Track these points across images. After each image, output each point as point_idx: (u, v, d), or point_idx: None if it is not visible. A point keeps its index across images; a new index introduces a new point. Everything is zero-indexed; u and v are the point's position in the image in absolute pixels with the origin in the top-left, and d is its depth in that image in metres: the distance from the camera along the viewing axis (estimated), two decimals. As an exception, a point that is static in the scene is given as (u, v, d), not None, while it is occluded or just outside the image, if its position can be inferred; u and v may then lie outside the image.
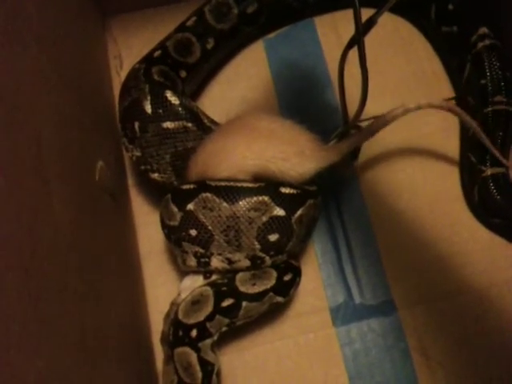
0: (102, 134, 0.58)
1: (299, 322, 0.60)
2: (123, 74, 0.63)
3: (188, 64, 0.60)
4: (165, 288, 0.60)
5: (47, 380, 0.34)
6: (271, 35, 0.71)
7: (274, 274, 0.53)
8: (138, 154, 0.56)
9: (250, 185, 0.50)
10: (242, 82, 0.68)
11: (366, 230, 0.63)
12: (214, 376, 0.51)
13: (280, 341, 0.59)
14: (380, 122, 0.50)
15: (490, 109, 0.62)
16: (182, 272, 0.56)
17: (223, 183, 0.50)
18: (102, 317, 0.46)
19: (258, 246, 0.50)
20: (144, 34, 0.70)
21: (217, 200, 0.49)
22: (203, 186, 0.50)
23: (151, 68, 0.56)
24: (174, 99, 0.53)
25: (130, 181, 0.65)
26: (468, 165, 0.63)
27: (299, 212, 0.51)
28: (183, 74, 0.59)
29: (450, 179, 0.64)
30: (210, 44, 0.62)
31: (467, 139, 0.64)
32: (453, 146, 0.66)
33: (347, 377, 0.58)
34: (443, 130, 0.66)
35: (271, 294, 0.52)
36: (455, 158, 0.65)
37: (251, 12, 0.65)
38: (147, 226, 0.63)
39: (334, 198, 0.64)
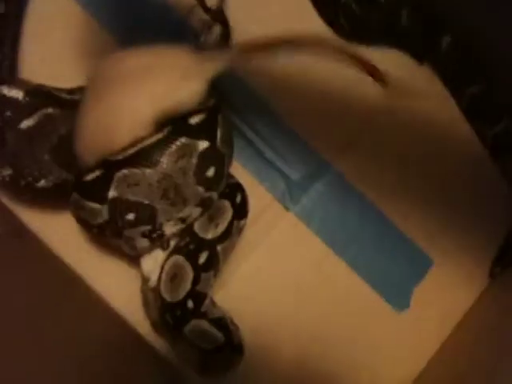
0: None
1: (258, 227, 0.58)
2: None
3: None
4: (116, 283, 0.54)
5: None
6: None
7: (227, 203, 0.49)
8: (9, 172, 0.46)
9: (160, 136, 0.43)
10: (55, 30, 0.56)
11: (264, 110, 0.59)
12: (231, 326, 0.49)
13: (253, 253, 0.58)
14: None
15: None
16: (131, 258, 0.51)
17: (131, 151, 0.43)
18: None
19: (201, 189, 0.45)
20: None
21: (137, 171, 0.42)
22: (110, 165, 0.43)
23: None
24: (15, 93, 0.42)
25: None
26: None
27: (218, 133, 0.46)
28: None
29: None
30: (1, 7, 0.50)
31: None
32: None
33: (326, 247, 0.58)
34: None
35: (235, 221, 0.50)
36: None
37: None
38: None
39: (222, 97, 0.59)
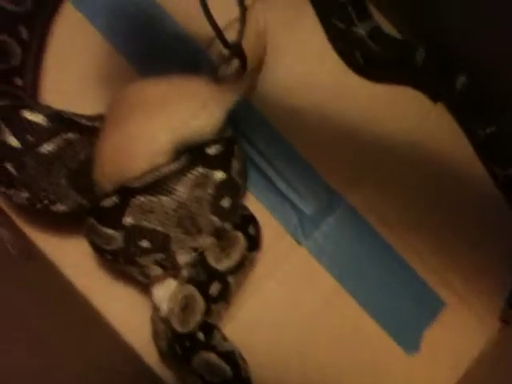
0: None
1: (270, 259, 0.58)
2: None
3: (15, 67, 0.49)
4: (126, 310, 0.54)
5: None
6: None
7: (239, 234, 0.49)
8: (26, 194, 0.46)
9: (177, 164, 0.44)
10: (75, 56, 0.57)
11: (278, 141, 0.60)
12: (240, 360, 0.49)
13: (263, 286, 0.57)
14: None
15: None
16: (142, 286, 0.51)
17: (148, 178, 0.43)
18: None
19: (215, 219, 0.45)
20: None
21: (154, 199, 0.43)
22: (127, 191, 0.43)
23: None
24: (36, 117, 0.43)
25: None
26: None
27: (234, 164, 0.46)
28: (18, 80, 0.48)
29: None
30: (24, 33, 0.51)
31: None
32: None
33: (337, 283, 0.58)
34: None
35: (247, 253, 0.49)
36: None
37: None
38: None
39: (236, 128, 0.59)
